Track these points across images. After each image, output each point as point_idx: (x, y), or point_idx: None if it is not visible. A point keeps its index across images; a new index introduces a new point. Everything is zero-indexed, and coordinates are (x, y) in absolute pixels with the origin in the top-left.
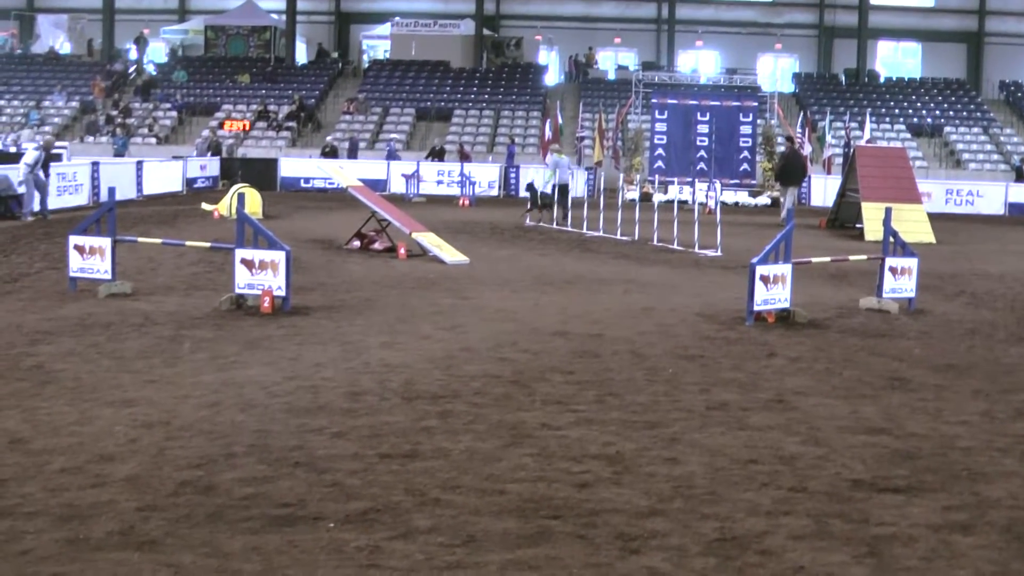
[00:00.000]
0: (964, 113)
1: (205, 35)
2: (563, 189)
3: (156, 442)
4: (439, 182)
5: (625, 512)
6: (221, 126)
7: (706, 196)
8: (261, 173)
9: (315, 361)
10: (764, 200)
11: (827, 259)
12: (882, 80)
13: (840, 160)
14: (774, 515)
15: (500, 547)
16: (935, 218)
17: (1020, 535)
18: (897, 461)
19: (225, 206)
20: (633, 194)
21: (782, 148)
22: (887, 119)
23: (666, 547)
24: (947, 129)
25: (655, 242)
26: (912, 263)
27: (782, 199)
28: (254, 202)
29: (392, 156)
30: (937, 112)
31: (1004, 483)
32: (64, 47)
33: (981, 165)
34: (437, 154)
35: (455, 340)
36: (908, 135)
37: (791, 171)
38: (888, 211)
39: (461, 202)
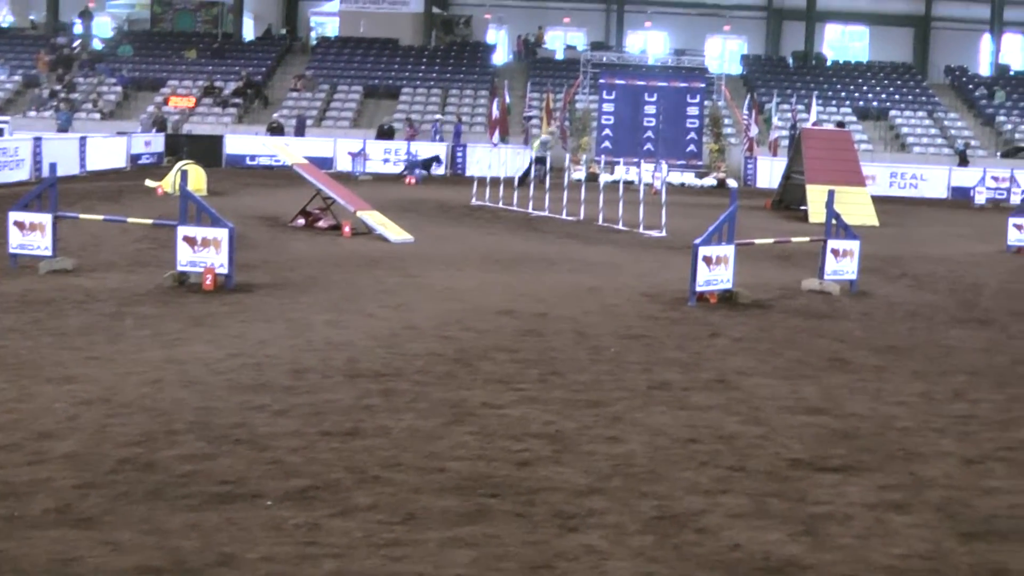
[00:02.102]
0: (910, 97)
1: (152, 9)
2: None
3: (96, 419)
4: (385, 160)
5: (564, 490)
6: (166, 102)
7: (652, 177)
8: (207, 150)
9: (259, 338)
10: (710, 181)
11: (770, 240)
12: (829, 63)
13: (786, 142)
14: (712, 494)
15: (439, 525)
16: (879, 201)
17: (954, 514)
18: (835, 441)
19: (169, 183)
20: (580, 174)
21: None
22: (834, 102)
23: (604, 525)
24: (892, 113)
25: (601, 222)
26: (854, 245)
27: None
28: (198, 179)
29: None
30: (883, 96)
31: (940, 463)
32: (7, 19)
33: (925, 149)
34: (386, 133)
35: (399, 319)
36: (854, 118)
37: None
38: (831, 193)
39: (407, 180)
